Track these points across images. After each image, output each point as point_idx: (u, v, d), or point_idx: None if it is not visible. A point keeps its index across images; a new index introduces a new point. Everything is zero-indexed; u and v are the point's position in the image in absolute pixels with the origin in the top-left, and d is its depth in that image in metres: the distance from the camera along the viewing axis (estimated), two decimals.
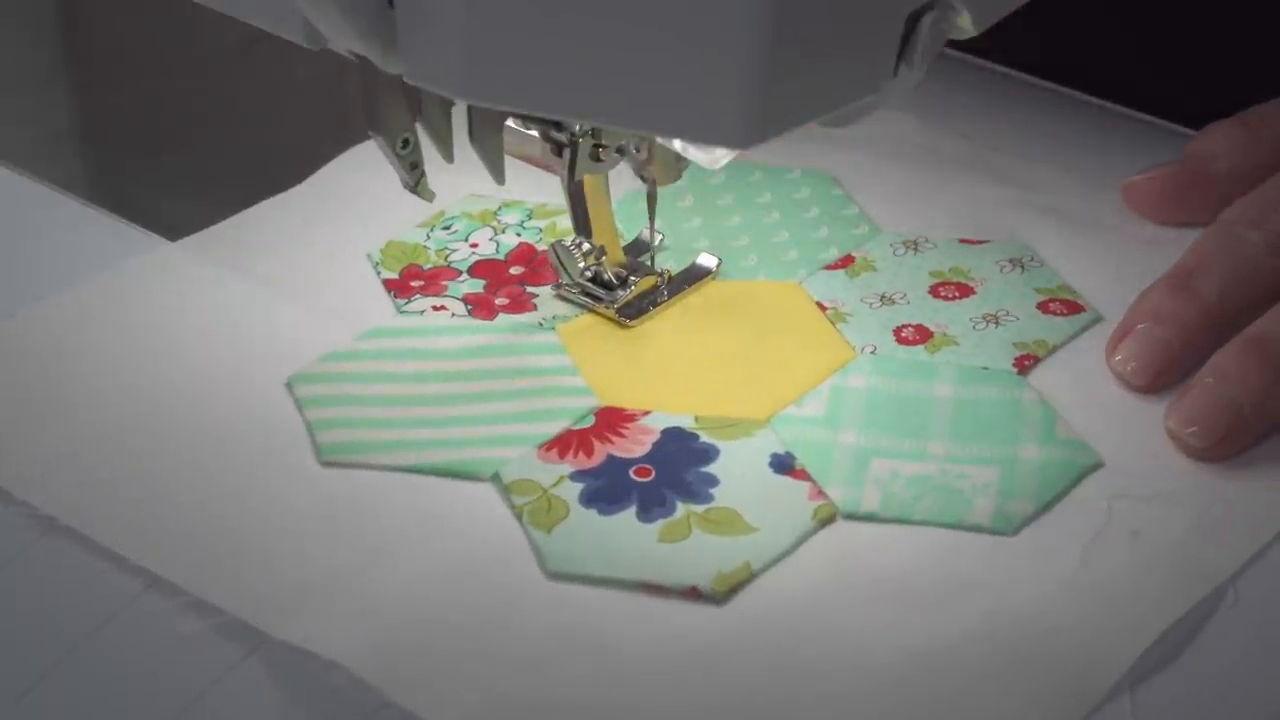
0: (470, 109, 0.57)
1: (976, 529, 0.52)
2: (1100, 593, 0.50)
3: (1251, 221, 0.59)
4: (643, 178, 0.59)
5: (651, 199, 0.60)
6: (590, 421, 0.56)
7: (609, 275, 0.60)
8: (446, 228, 0.63)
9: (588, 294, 0.60)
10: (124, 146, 0.74)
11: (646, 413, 0.56)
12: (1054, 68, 0.73)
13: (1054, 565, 0.51)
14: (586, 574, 0.50)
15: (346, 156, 0.67)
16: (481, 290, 0.61)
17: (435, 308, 0.60)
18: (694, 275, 0.62)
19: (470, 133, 0.57)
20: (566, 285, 0.61)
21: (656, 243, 0.62)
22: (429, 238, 0.63)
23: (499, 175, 0.58)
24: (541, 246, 0.63)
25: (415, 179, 0.58)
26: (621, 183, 0.61)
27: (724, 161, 0.56)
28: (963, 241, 0.64)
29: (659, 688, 0.47)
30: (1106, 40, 0.75)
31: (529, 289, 0.61)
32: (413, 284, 0.61)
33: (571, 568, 0.51)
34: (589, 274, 0.60)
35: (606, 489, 0.53)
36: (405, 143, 0.57)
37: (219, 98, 0.74)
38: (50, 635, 0.49)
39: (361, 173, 0.66)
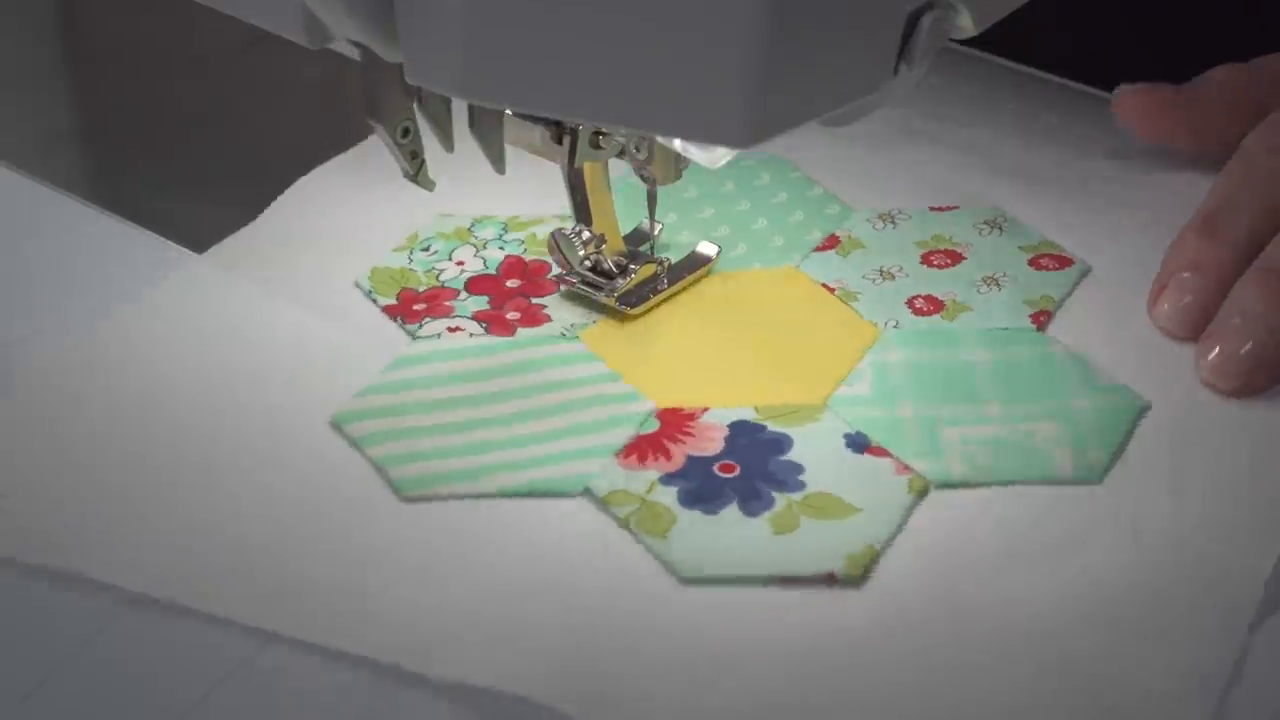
0: None
1: (1063, 482, 0.54)
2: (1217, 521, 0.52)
3: (1271, 148, 0.61)
4: (643, 177, 0.59)
5: (651, 198, 0.60)
6: (655, 425, 0.55)
7: (609, 264, 0.60)
8: (425, 249, 0.62)
9: (587, 283, 0.60)
10: (124, 146, 0.74)
11: (705, 409, 0.56)
12: (1015, 46, 0.73)
13: (1146, 508, 0.53)
14: (721, 575, 0.50)
15: (299, 187, 0.65)
16: (488, 307, 0.60)
17: (450, 329, 0.59)
18: (694, 264, 0.62)
19: (470, 122, 0.57)
20: (566, 274, 0.61)
21: (656, 233, 0.62)
22: (411, 260, 0.62)
23: (499, 164, 0.58)
24: (529, 257, 0.62)
25: (415, 168, 0.58)
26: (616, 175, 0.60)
27: (724, 161, 0.56)
28: (934, 209, 0.65)
29: (823, 681, 0.48)
30: (1064, 17, 0.74)
31: (533, 300, 0.60)
32: (415, 307, 0.60)
33: (704, 572, 0.50)
34: (589, 263, 0.60)
35: (700, 489, 0.53)
36: (405, 132, 0.57)
37: (219, 98, 0.73)
38: (52, 639, 0.49)
39: (318, 202, 0.65)
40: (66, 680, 0.48)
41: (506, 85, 0.47)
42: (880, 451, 0.55)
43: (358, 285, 0.61)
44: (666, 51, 0.45)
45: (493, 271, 0.62)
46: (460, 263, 0.62)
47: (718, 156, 0.55)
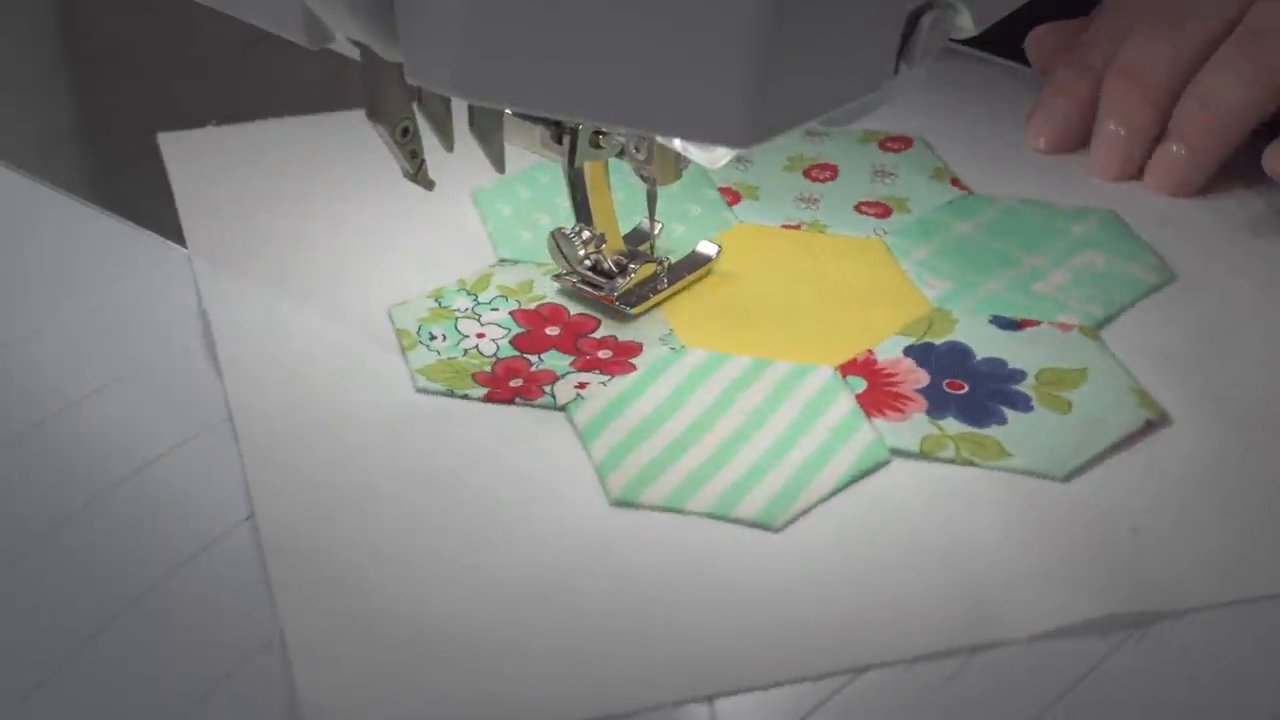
0: None
1: (1159, 288, 0.60)
2: None
3: None
4: (643, 177, 0.59)
5: (651, 198, 0.60)
6: (860, 383, 0.56)
7: (609, 263, 0.60)
8: (433, 337, 0.59)
9: (587, 282, 0.60)
10: (124, 146, 0.74)
11: (870, 350, 0.57)
12: (1015, 46, 0.74)
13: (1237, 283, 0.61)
14: (1090, 457, 0.53)
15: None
16: (578, 359, 0.58)
17: (578, 385, 0.57)
18: (694, 263, 0.62)
19: (470, 122, 0.57)
20: (566, 274, 0.61)
21: (656, 232, 0.62)
22: (439, 352, 0.58)
23: (499, 164, 0.58)
24: (531, 305, 0.61)
25: (415, 168, 0.57)
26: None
27: (724, 161, 0.56)
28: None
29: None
30: (1064, 17, 0.75)
31: (596, 336, 0.59)
32: (511, 383, 0.57)
33: (1077, 462, 0.53)
34: (588, 262, 0.60)
35: (967, 410, 0.55)
36: (405, 131, 0.56)
37: (219, 98, 0.73)
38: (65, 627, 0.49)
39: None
40: (66, 680, 0.48)
41: (506, 85, 0.47)
42: (1029, 322, 0.58)
43: (425, 391, 0.57)
44: (667, 51, 0.45)
45: (521, 329, 0.59)
46: (480, 335, 0.59)
47: (718, 156, 0.55)
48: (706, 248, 0.62)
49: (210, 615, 0.49)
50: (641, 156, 0.57)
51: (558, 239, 0.59)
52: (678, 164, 0.58)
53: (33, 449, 0.55)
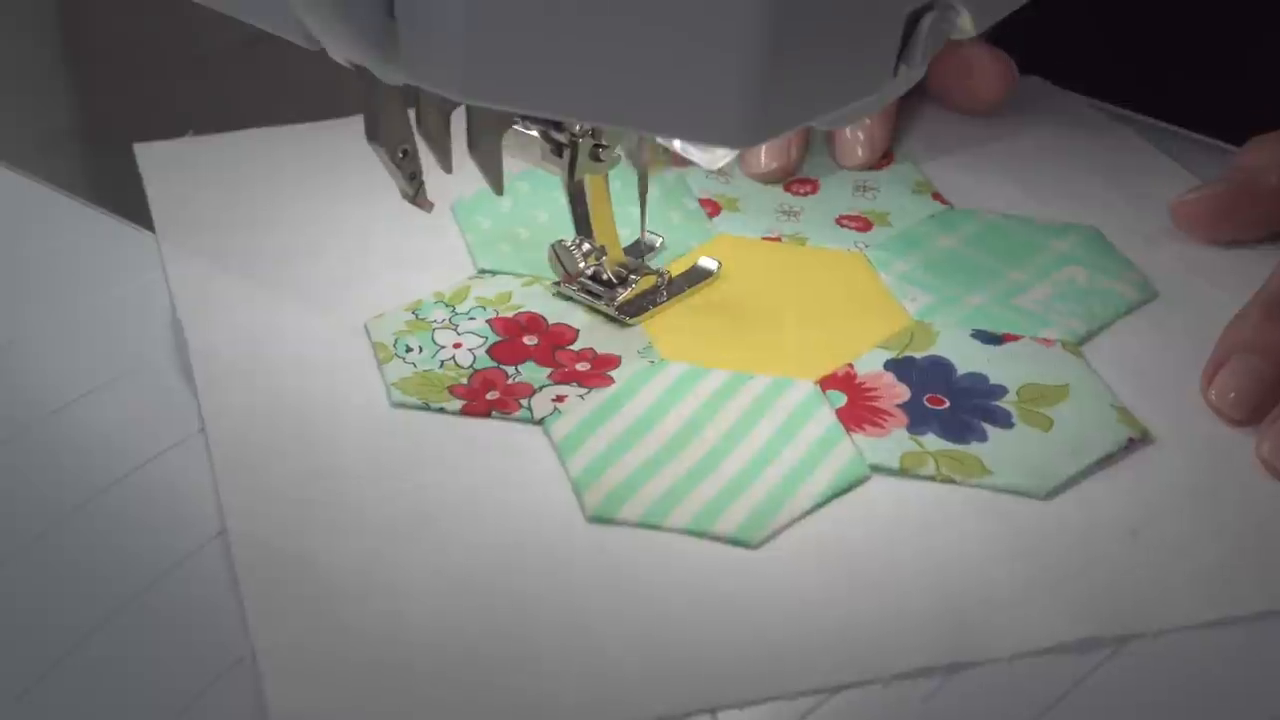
0: (469, 118, 0.56)
1: (1141, 305, 0.61)
2: None
3: None
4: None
5: (643, 179, 0.60)
6: (840, 397, 0.56)
7: (609, 275, 0.60)
8: (409, 350, 0.58)
9: (587, 290, 0.60)
10: (124, 146, 0.74)
11: (850, 364, 0.57)
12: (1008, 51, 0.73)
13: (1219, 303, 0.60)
14: (1069, 476, 0.53)
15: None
16: (555, 371, 0.58)
17: (556, 399, 0.56)
18: (695, 277, 0.62)
19: (469, 143, 0.57)
20: (566, 283, 0.61)
21: (657, 244, 0.62)
22: (415, 365, 0.58)
23: (497, 185, 0.58)
24: (508, 313, 0.60)
25: (414, 189, 0.57)
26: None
27: (723, 162, 0.56)
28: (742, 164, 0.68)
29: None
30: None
31: (574, 348, 0.59)
32: (488, 396, 0.56)
33: (1058, 480, 0.53)
34: (589, 273, 0.60)
35: (948, 426, 0.55)
36: (404, 153, 0.56)
37: (219, 98, 0.74)
38: (53, 631, 0.49)
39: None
40: (60, 680, 0.48)
41: (508, 86, 0.47)
42: (1011, 336, 0.58)
43: (401, 404, 0.56)
44: (666, 52, 0.45)
45: (498, 337, 0.59)
46: (458, 345, 0.59)
47: (717, 157, 0.55)
48: (708, 262, 0.62)
49: (207, 615, 0.49)
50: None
51: (557, 251, 0.59)
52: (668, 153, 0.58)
53: (29, 448, 0.55)
